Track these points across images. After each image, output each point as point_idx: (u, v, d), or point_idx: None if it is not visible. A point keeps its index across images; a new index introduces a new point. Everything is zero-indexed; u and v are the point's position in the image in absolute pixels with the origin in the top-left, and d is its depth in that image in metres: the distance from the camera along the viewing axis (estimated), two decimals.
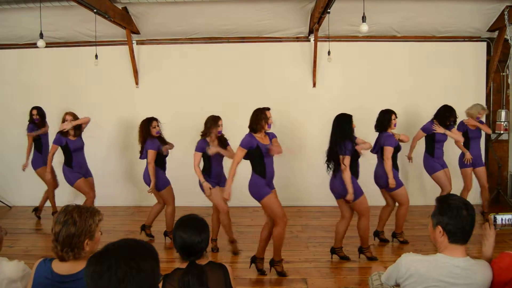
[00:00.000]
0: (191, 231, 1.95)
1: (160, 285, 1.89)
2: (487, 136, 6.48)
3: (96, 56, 5.62)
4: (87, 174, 5.21)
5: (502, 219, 1.93)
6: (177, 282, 1.88)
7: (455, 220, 1.82)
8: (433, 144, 5.12)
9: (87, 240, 1.77)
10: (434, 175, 5.12)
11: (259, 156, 3.85)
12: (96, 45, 5.80)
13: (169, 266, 4.00)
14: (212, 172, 4.44)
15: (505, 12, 5.69)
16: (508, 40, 5.72)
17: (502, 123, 6.17)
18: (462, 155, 5.38)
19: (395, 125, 4.54)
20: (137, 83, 6.49)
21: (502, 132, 6.21)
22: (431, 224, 1.92)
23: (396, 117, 4.54)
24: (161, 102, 6.38)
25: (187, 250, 1.95)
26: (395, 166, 4.44)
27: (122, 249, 1.23)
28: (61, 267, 1.77)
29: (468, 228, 1.84)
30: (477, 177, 5.46)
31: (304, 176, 6.36)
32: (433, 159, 5.12)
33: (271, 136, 4.00)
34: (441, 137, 5.08)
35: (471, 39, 6.36)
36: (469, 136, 5.34)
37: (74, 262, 1.77)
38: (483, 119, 5.50)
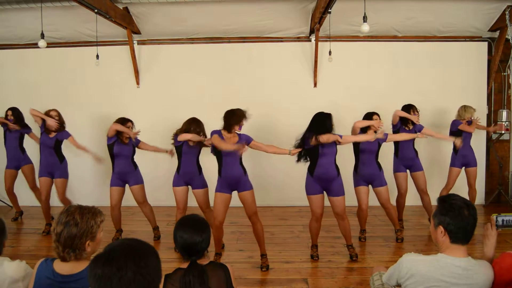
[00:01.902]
0: (192, 231, 1.95)
1: (161, 285, 1.89)
2: (488, 136, 6.48)
3: (97, 56, 5.62)
4: (54, 174, 5.14)
5: (503, 220, 1.93)
6: (179, 282, 1.88)
7: (456, 220, 1.82)
8: (395, 143, 5.13)
9: (89, 241, 1.77)
10: (394, 174, 5.16)
11: (219, 154, 3.99)
12: (97, 45, 5.81)
13: (169, 266, 4.00)
14: (180, 169, 4.47)
15: (506, 12, 5.69)
16: (509, 40, 5.71)
17: (504, 123, 6.16)
18: (454, 154, 5.35)
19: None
20: (138, 83, 6.49)
21: (503, 132, 6.20)
22: (433, 224, 1.92)
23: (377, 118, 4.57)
24: (162, 102, 6.39)
25: (188, 250, 1.96)
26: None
27: (128, 250, 1.23)
28: (62, 267, 1.78)
29: (469, 228, 1.83)
30: (468, 177, 5.40)
31: (304, 175, 6.35)
32: (397, 159, 5.13)
33: (244, 139, 4.06)
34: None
35: (472, 39, 6.35)
36: (461, 136, 5.29)
37: (76, 262, 1.78)
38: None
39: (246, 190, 4.03)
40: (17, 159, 5.59)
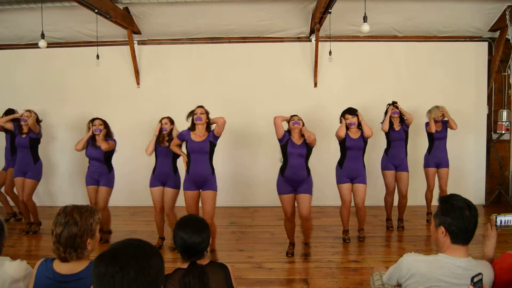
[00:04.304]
0: (192, 232, 1.95)
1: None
2: (488, 136, 6.47)
3: (98, 57, 5.62)
4: (26, 174, 5.08)
5: (503, 220, 1.92)
6: (178, 282, 1.88)
7: (458, 221, 1.81)
8: (387, 142, 5.15)
9: (89, 239, 1.78)
10: (382, 172, 5.17)
11: (188, 152, 4.12)
12: (97, 45, 5.80)
13: (169, 266, 4.00)
14: (156, 170, 4.52)
15: (507, 12, 5.68)
16: (509, 40, 5.70)
17: (504, 123, 6.15)
18: (427, 155, 5.36)
19: (349, 124, 4.60)
20: (138, 83, 6.50)
21: (503, 132, 6.20)
22: (433, 224, 1.91)
23: (349, 117, 4.60)
24: (162, 102, 6.39)
25: (187, 250, 1.95)
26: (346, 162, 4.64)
27: (132, 249, 1.23)
28: (62, 267, 1.78)
29: (471, 228, 1.83)
30: (438, 178, 5.36)
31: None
32: (387, 157, 5.14)
33: (211, 135, 4.16)
34: (393, 135, 5.08)
35: (472, 39, 6.35)
36: (433, 137, 5.30)
37: (76, 262, 1.78)
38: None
39: (210, 189, 4.08)
40: (8, 160, 5.57)
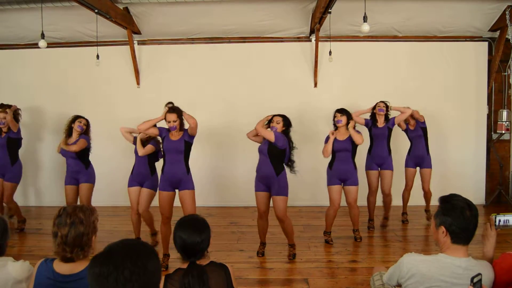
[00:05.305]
0: (191, 232, 1.95)
1: (161, 285, 1.89)
2: (488, 136, 6.47)
3: (98, 56, 5.62)
4: (5, 176, 5.04)
5: (502, 220, 1.92)
6: (178, 283, 1.88)
7: (458, 221, 1.82)
8: (370, 141, 5.14)
9: (94, 236, 1.83)
10: (366, 172, 5.15)
11: (164, 151, 4.07)
12: (97, 45, 5.80)
13: (169, 266, 4.02)
14: (134, 170, 4.54)
15: (507, 12, 5.68)
16: (509, 39, 5.71)
17: (504, 123, 6.15)
18: (407, 155, 5.35)
19: (337, 122, 4.64)
20: (138, 83, 6.49)
21: (503, 132, 6.20)
22: (434, 224, 1.91)
23: (338, 115, 4.63)
24: (162, 102, 6.32)
25: (187, 250, 1.95)
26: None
27: (126, 249, 1.23)
28: (62, 267, 1.78)
29: (471, 228, 1.83)
30: (421, 179, 5.33)
31: (304, 176, 6.35)
32: (370, 157, 5.14)
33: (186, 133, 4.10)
34: (375, 131, 5.07)
35: (472, 39, 6.35)
36: (409, 136, 5.31)
37: (76, 262, 1.78)
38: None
39: (186, 189, 4.02)
40: None
